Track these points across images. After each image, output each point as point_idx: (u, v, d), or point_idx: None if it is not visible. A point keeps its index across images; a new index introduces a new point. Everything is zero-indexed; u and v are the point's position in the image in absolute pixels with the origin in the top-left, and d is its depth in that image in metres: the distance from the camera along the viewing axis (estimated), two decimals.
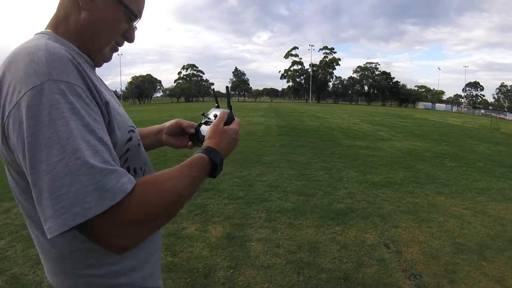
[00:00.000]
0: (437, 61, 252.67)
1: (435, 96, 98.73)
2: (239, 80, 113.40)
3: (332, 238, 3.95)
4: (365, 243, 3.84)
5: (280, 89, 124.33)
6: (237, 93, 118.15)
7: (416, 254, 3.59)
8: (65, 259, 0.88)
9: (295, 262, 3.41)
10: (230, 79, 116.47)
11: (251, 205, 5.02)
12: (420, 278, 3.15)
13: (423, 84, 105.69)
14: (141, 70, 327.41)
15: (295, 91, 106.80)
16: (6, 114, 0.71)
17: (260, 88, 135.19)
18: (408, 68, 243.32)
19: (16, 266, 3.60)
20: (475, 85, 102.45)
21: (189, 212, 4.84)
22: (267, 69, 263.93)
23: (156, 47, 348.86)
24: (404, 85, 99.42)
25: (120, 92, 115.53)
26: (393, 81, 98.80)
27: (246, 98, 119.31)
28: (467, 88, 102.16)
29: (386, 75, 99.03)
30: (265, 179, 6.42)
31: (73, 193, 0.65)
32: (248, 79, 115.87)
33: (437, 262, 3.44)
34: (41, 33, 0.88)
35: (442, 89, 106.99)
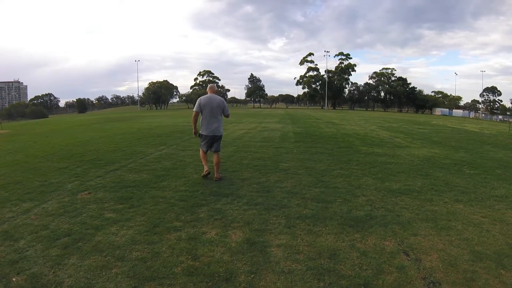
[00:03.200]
0: (454, 66, 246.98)
1: (452, 102, 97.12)
2: (255, 87, 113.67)
3: (351, 245, 3.99)
4: (385, 250, 3.88)
5: (295, 95, 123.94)
6: (252, 99, 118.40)
7: (435, 262, 3.61)
8: (221, 122, 7.13)
9: (316, 268, 3.47)
10: (245, 85, 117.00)
11: (270, 211, 5.10)
12: (439, 286, 3.18)
13: (439, 90, 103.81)
14: (158, 76, 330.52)
15: (311, 97, 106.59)
16: (225, 104, 7.19)
17: (276, 94, 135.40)
18: (424, 73, 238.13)
19: (36, 265, 3.70)
20: (493, 90, 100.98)
21: (209, 216, 4.96)
22: (283, 75, 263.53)
23: (173, 53, 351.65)
24: (420, 91, 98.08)
25: (137, 98, 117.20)
26: (410, 87, 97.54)
27: (261, 104, 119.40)
28: (485, 93, 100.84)
29: (402, 80, 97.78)
30: (283, 186, 6.50)
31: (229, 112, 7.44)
32: (263, 86, 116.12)
33: (455, 270, 3.46)
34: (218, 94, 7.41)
35: (459, 95, 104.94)
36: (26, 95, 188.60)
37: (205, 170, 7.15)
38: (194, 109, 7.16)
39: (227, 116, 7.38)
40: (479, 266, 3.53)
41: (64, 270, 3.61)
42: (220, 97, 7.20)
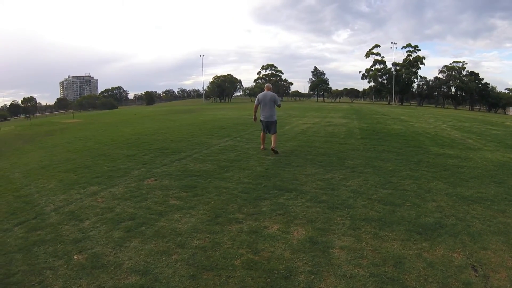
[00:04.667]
0: None
1: None
2: (318, 80, 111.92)
3: (418, 254, 3.73)
4: (453, 263, 3.57)
5: (360, 89, 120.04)
6: (316, 93, 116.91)
7: (504, 281, 3.26)
8: (274, 111, 9.42)
9: (379, 276, 3.29)
10: (309, 79, 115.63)
11: (335, 211, 4.93)
12: None
13: None
14: (222, 70, 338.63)
15: (377, 92, 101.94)
16: (276, 98, 9.41)
17: (340, 88, 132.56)
18: (497, 68, 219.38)
19: (98, 246, 3.90)
20: None
21: (271, 211, 4.92)
22: (347, 68, 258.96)
23: (237, 48, 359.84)
24: (493, 88, 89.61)
25: (202, 91, 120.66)
26: (482, 82, 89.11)
27: (325, 98, 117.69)
28: None
29: (474, 75, 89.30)
30: (349, 184, 6.26)
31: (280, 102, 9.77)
32: (327, 79, 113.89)
33: None
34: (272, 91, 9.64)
35: None
36: (97, 88, 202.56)
37: (261, 147, 9.83)
38: (255, 103, 9.74)
39: (278, 106, 9.59)
40: None
41: (125, 252, 3.76)
42: (272, 93, 9.49)
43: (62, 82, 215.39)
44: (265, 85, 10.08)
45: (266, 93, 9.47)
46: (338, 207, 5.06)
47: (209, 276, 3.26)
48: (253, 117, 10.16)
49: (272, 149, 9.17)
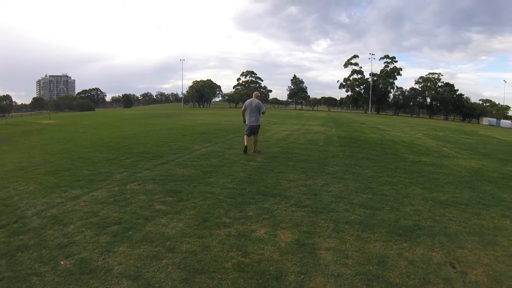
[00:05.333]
0: (503, 73, 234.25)
1: (500, 111, 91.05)
2: (297, 88, 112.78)
3: (400, 254, 3.95)
4: (432, 261, 3.83)
5: (338, 98, 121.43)
6: (294, 100, 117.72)
7: (480, 276, 3.54)
8: (259, 116, 10.49)
9: (364, 274, 3.46)
10: (288, 87, 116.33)
11: (318, 214, 5.09)
12: None
13: (487, 98, 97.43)
14: (202, 75, 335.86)
15: (354, 101, 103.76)
16: (261, 105, 10.39)
17: (318, 97, 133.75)
18: (472, 80, 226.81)
19: (85, 251, 3.81)
20: None
21: (257, 215, 5.01)
22: (326, 77, 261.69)
23: (217, 53, 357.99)
24: (468, 98, 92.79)
25: (181, 95, 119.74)
26: (457, 93, 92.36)
27: (303, 106, 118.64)
28: None
29: (449, 86, 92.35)
30: (330, 189, 6.45)
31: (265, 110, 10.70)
32: (306, 87, 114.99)
33: (499, 286, 3.40)
34: (259, 99, 10.68)
35: (508, 104, 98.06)
36: (74, 88, 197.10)
37: (244, 145, 10.32)
38: (242, 108, 10.74)
39: (263, 113, 10.66)
40: None
41: (113, 257, 3.71)
42: (258, 101, 10.55)
43: (39, 81, 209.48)
44: (254, 92, 11.15)
45: (253, 100, 10.52)
46: (322, 211, 5.23)
47: (202, 279, 3.31)
48: (242, 119, 10.92)
49: (255, 151, 10.52)
